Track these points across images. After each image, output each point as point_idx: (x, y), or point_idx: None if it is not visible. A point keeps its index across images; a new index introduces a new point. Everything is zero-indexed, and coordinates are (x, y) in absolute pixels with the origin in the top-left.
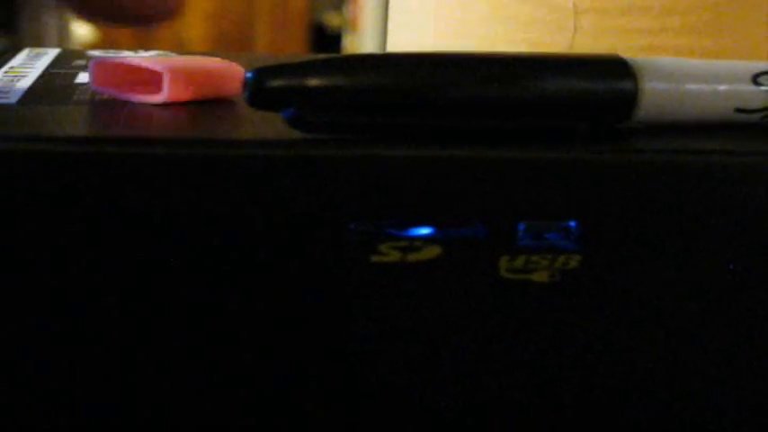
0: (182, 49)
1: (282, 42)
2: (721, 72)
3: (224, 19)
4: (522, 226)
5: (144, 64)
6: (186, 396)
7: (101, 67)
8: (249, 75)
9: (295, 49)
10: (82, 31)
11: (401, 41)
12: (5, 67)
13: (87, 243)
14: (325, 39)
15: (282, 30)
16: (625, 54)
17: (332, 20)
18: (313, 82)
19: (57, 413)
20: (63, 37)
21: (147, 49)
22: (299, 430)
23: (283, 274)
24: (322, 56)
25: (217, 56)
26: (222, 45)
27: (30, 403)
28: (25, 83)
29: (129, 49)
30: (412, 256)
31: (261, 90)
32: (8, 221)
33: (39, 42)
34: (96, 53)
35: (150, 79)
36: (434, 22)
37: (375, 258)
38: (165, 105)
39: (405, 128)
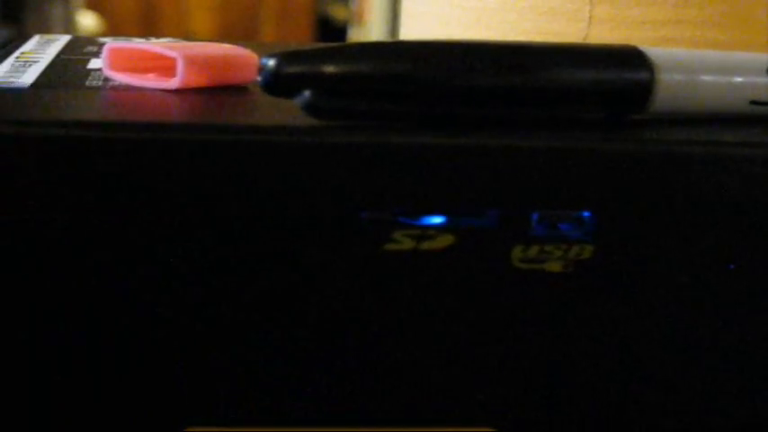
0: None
1: (288, 35)
2: (736, 64)
3: (229, 11)
4: (535, 216)
5: (158, 50)
6: (198, 382)
7: (114, 53)
8: (265, 60)
9: (300, 41)
10: (88, 21)
11: (413, 32)
12: (17, 53)
13: (98, 228)
14: (331, 31)
15: (288, 22)
16: (640, 45)
17: (338, 12)
18: (330, 68)
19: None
20: (69, 27)
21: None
22: (307, 417)
23: (296, 261)
24: (338, 43)
25: (230, 43)
26: (227, 37)
27: (39, 395)
28: (37, 68)
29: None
30: (425, 245)
31: (277, 76)
32: (19, 206)
33: (45, 32)
34: (108, 40)
35: (164, 65)
36: (448, 12)
37: (388, 246)
38: (178, 91)
39: (420, 116)
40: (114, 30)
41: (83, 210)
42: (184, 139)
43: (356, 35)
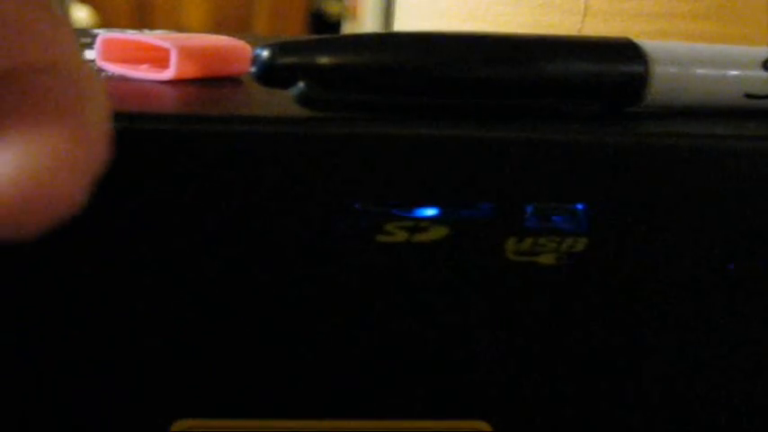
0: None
1: (282, 29)
2: (731, 57)
3: (222, 5)
4: (529, 208)
5: (152, 40)
6: (187, 374)
7: (108, 44)
8: (259, 51)
9: (294, 35)
10: (81, 14)
11: (408, 26)
12: None
13: (89, 219)
14: (325, 26)
15: (282, 17)
16: (635, 38)
17: (331, 7)
18: (324, 59)
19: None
20: None
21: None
22: (298, 409)
23: (289, 253)
24: (331, 34)
25: (223, 34)
26: (221, 31)
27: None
28: None
29: None
30: (418, 237)
31: (271, 67)
32: None
33: None
34: (102, 31)
35: (158, 56)
36: (442, 5)
37: (381, 238)
38: (172, 82)
39: (414, 107)
40: (107, 23)
41: None
42: (178, 129)
43: (350, 29)
